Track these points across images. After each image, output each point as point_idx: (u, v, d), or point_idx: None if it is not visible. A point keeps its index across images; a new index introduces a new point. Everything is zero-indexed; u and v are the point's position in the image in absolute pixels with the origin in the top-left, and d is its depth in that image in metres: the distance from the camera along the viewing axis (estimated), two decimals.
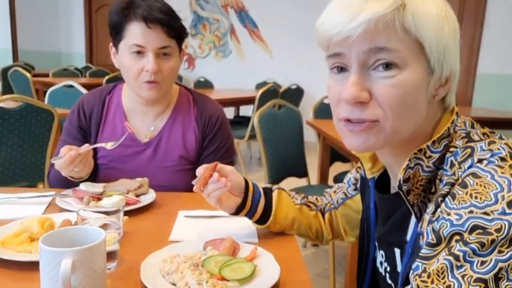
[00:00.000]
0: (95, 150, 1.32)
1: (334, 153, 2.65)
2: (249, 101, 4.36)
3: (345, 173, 2.61)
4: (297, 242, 0.95)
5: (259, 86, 5.26)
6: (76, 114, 1.34)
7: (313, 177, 2.60)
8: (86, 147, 1.12)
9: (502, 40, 4.64)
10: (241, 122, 4.52)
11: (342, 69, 0.63)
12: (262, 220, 0.94)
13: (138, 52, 1.20)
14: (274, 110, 2.30)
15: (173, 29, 1.22)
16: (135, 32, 1.19)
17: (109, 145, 1.17)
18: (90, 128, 1.33)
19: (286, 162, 2.28)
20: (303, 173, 2.43)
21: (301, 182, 2.46)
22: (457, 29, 0.63)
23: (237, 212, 0.93)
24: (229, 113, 5.42)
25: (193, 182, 0.88)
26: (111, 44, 1.28)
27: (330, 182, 2.66)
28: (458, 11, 4.80)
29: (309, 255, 2.55)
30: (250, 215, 0.94)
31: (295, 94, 4.61)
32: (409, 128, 0.63)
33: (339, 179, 2.57)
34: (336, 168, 2.77)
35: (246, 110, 5.46)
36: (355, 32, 0.57)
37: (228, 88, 5.77)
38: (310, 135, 3.20)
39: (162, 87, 1.25)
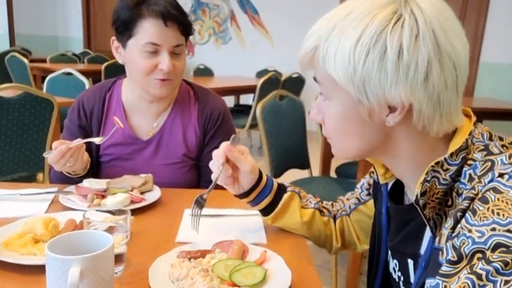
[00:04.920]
0: (97, 148, 1.30)
1: None
2: (249, 89, 4.31)
3: (347, 164, 2.59)
4: (306, 244, 0.94)
5: (259, 74, 5.19)
6: (76, 112, 1.31)
7: (315, 168, 2.58)
8: (77, 141, 1.10)
9: (506, 29, 4.58)
10: (242, 110, 4.47)
11: None
12: (264, 213, 0.95)
13: (152, 50, 1.16)
14: (276, 100, 2.26)
15: (186, 26, 1.20)
16: (150, 30, 1.15)
17: (98, 140, 1.17)
18: (92, 127, 1.30)
19: (289, 154, 2.26)
20: (305, 164, 2.41)
21: (304, 174, 2.44)
22: (391, 56, 0.56)
23: (240, 197, 0.93)
24: (230, 101, 5.37)
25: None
26: (113, 38, 1.23)
27: (332, 173, 2.64)
28: (462, 0, 4.73)
29: (310, 246, 2.52)
30: (252, 204, 0.94)
31: (296, 83, 4.56)
32: (356, 148, 0.67)
33: (341, 170, 2.55)
34: (338, 159, 2.75)
35: (246, 99, 5.41)
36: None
37: (228, 76, 5.69)
38: (312, 125, 3.16)
39: (174, 84, 1.24)
